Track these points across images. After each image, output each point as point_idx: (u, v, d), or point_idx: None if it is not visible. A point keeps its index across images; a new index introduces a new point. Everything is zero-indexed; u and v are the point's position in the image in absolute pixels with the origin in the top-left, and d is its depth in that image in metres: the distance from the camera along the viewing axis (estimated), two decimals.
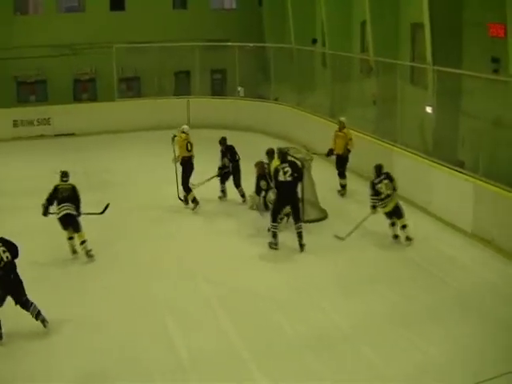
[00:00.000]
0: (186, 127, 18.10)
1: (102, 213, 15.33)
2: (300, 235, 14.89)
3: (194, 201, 17.76)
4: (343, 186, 18.97)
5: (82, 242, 14.50)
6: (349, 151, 18.80)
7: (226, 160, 18.23)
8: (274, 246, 14.98)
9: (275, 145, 18.24)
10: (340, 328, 11.34)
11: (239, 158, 18.28)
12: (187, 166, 17.66)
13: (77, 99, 34.52)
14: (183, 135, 17.77)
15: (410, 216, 15.63)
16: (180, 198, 17.93)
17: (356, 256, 14.56)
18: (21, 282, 11.26)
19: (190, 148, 17.68)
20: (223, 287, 13.02)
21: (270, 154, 16.33)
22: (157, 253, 14.84)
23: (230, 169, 18.21)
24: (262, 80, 30.52)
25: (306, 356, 10.54)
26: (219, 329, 11.39)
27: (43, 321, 11.38)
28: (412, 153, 18.18)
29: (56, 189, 14.50)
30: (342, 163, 18.90)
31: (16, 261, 11.28)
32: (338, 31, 27.81)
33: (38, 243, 15.16)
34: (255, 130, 25.81)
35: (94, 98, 34.12)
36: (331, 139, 19.04)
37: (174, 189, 17.84)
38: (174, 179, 17.74)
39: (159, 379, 10.03)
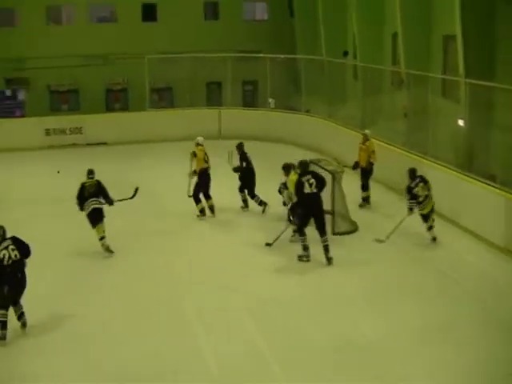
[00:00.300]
0: (201, 139, 18.10)
1: (132, 197, 15.97)
2: (327, 248, 14.60)
3: (202, 211, 17.83)
4: (364, 199, 18.84)
5: (102, 238, 15.12)
6: (371, 164, 18.72)
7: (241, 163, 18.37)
8: (305, 258, 14.82)
9: (306, 156, 18.27)
10: (367, 339, 11.28)
11: (251, 166, 18.35)
12: (203, 177, 17.72)
13: (109, 109, 34.84)
14: (200, 147, 17.87)
15: (440, 229, 15.58)
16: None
17: (383, 267, 14.48)
18: (25, 282, 11.50)
19: (207, 159, 17.80)
20: (250, 296, 13.00)
21: (286, 168, 15.70)
22: (184, 262, 14.87)
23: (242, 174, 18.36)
24: (293, 92, 30.57)
25: (333, 365, 10.50)
26: (246, 336, 11.39)
27: (24, 323, 11.58)
28: (443, 165, 18.08)
29: (83, 187, 15.17)
30: (364, 176, 18.83)
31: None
32: (369, 43, 27.75)
33: (65, 249, 15.50)
34: (286, 142, 25.79)
35: (125, 108, 34.42)
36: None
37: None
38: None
39: None
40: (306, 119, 26.68)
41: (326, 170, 16.69)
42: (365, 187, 18.82)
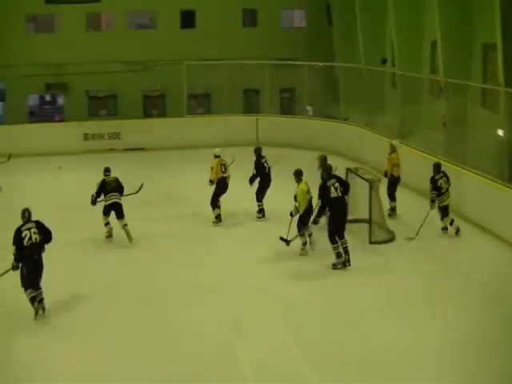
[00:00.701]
0: (218, 150, 18.53)
1: (137, 192, 17.65)
2: (346, 250, 14.88)
3: (218, 217, 18.06)
4: (392, 209, 18.70)
5: (125, 225, 16.50)
6: (392, 176, 18.54)
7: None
8: (340, 266, 14.86)
9: (343, 165, 18.30)
10: (402, 349, 11.18)
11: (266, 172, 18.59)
12: (221, 185, 18.09)
13: (146, 115, 35.02)
14: (218, 159, 18.18)
15: (478, 240, 15.46)
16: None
17: (420, 277, 14.37)
18: (42, 266, 12.29)
19: (223, 170, 18.12)
20: (284, 304, 12.98)
21: (297, 174, 15.71)
22: (218, 268, 14.92)
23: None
24: (330, 100, 30.48)
25: (366, 375, 10.45)
26: (281, 344, 11.36)
27: (43, 308, 12.34)
28: (482, 176, 17.91)
29: (104, 181, 16.78)
30: (389, 186, 18.66)
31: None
32: (407, 51, 27.54)
33: (108, 255, 15.71)
34: (323, 150, 25.40)
35: (163, 114, 34.56)
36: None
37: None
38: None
39: None
40: (344, 127, 26.60)
41: (363, 178, 16.63)
42: (390, 196, 18.66)
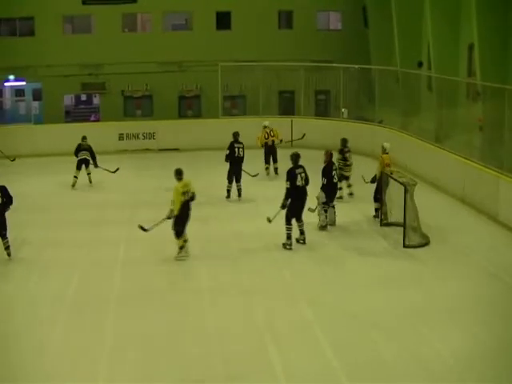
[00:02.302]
0: (266, 122, 21.37)
1: (114, 172, 22.31)
2: (302, 231, 16.12)
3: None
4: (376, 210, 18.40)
5: (89, 174, 21.77)
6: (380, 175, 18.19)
7: None
8: (288, 246, 15.75)
9: (373, 169, 18.24)
10: (440, 357, 11.07)
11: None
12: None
13: (181, 115, 35.17)
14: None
15: None
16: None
17: (456, 282, 14.15)
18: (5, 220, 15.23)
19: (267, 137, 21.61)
20: (321, 308, 12.86)
21: (177, 173, 15.29)
22: (257, 272, 14.81)
23: None
24: (366, 102, 30.35)
25: (401, 377, 10.35)
26: (316, 348, 11.23)
27: (8, 253, 15.35)
28: None
29: (79, 145, 22.32)
30: (378, 189, 18.31)
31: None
32: (444, 54, 27.39)
33: (142, 253, 15.76)
34: (358, 153, 25.41)
35: (198, 115, 34.67)
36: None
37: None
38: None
39: None
40: (379, 130, 26.40)
41: (398, 182, 16.53)
42: (375, 198, 18.34)
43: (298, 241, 16.14)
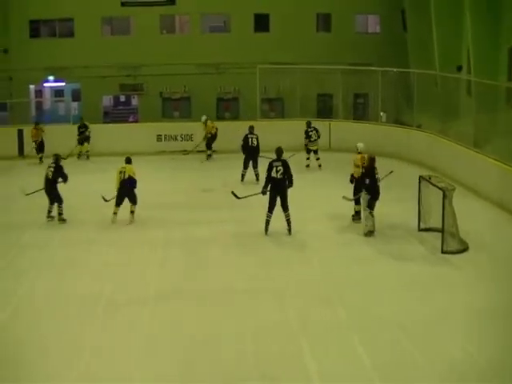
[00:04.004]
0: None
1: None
2: (289, 221, 17.08)
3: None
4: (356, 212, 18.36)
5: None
6: (352, 176, 18.17)
7: None
8: (266, 231, 17.09)
9: (416, 172, 18.15)
10: (474, 360, 10.98)
11: None
12: None
13: (219, 117, 35.26)
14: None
15: None
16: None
17: (494, 288, 13.92)
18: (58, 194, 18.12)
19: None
20: (353, 310, 12.78)
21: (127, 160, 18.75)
22: (289, 273, 14.77)
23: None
24: (404, 106, 30.22)
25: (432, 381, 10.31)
26: (350, 350, 11.18)
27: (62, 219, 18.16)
28: None
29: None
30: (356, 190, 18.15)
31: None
32: (484, 58, 27.14)
33: (178, 254, 15.86)
34: (396, 157, 25.32)
35: (236, 117, 34.74)
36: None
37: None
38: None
39: None
40: (417, 134, 26.24)
41: (436, 186, 16.43)
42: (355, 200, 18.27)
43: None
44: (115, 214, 18.20)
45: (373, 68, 29.37)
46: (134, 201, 18.28)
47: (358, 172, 18.02)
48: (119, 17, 37.78)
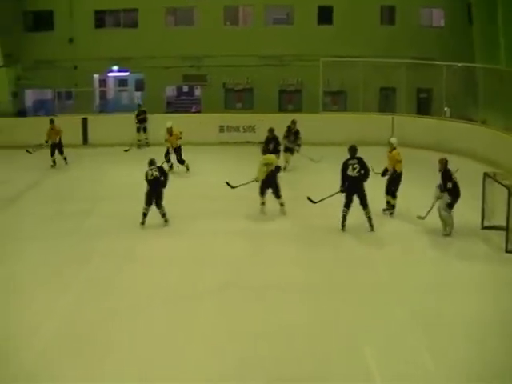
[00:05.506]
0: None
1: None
2: (369, 218, 16.93)
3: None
4: (392, 206, 18.42)
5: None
6: (394, 171, 18.17)
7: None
8: (342, 227, 16.96)
9: (480, 169, 17.97)
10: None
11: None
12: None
13: (282, 109, 35.30)
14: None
15: None
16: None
17: None
18: (161, 193, 17.19)
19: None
20: (417, 309, 12.66)
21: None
22: (352, 271, 14.74)
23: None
24: (469, 101, 29.87)
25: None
26: (412, 350, 11.11)
27: (165, 220, 17.32)
28: None
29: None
30: (393, 183, 18.28)
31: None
32: None
33: (237, 246, 15.95)
34: (460, 153, 24.94)
35: (298, 109, 34.70)
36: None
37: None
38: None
39: None
40: (482, 131, 25.94)
41: (501, 184, 16.26)
42: (390, 192, 18.37)
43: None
44: (263, 203, 18.44)
45: (437, 62, 29.06)
46: (277, 194, 18.36)
47: (400, 166, 18.18)
48: (183, 8, 38.02)
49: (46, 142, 25.52)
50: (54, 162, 25.66)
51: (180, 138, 23.65)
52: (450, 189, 16.45)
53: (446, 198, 16.50)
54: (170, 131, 23.46)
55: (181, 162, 23.80)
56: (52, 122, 25.93)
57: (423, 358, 10.83)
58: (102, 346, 11.17)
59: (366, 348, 11.17)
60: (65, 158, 25.99)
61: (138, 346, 11.14)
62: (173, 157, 23.74)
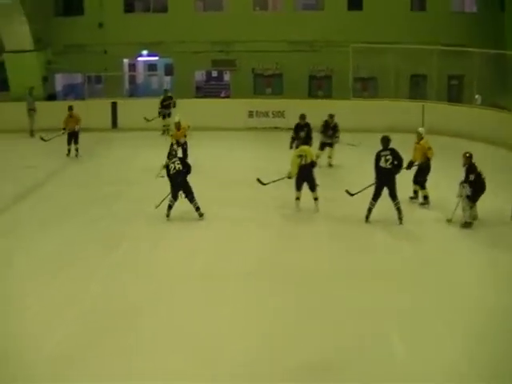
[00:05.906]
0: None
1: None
2: (399, 209, 16.60)
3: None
4: (423, 197, 18.28)
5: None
6: (428, 160, 18.07)
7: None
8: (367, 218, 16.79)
9: (511, 158, 17.78)
10: None
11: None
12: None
13: (311, 95, 35.19)
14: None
15: None
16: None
17: None
18: (187, 184, 16.63)
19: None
20: (443, 302, 12.46)
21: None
22: (384, 257, 14.70)
23: None
24: (500, 89, 29.57)
25: None
26: (436, 338, 10.98)
27: (200, 214, 16.78)
28: None
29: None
30: (421, 173, 18.17)
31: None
32: None
33: (271, 233, 15.86)
34: (490, 142, 24.79)
35: (328, 96, 34.56)
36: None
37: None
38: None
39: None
40: None
41: None
42: (421, 184, 18.27)
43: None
44: (298, 199, 17.77)
45: (469, 49, 28.78)
46: (313, 187, 17.75)
47: (431, 153, 18.12)
48: None
49: (64, 129, 24.66)
50: (69, 151, 24.81)
51: (185, 135, 22.59)
52: (471, 181, 16.30)
53: (467, 189, 16.35)
54: (177, 126, 22.52)
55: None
56: (71, 108, 25.10)
57: (450, 350, 10.69)
58: (117, 345, 10.75)
59: (391, 333, 11.14)
60: (77, 149, 24.83)
61: (159, 343, 10.80)
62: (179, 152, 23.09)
